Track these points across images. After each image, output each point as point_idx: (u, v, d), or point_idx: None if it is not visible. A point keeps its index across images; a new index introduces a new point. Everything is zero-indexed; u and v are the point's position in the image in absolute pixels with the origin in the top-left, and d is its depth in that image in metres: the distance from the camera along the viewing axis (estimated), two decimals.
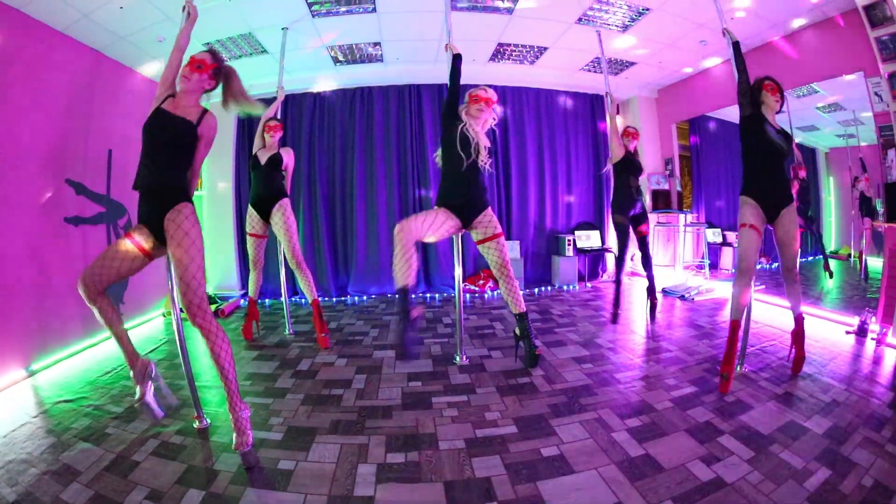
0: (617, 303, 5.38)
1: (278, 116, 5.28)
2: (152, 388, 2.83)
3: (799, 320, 3.67)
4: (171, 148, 2.79)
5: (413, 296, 3.84)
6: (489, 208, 3.96)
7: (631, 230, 5.33)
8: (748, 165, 3.61)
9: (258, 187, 4.94)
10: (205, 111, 2.90)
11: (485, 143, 3.87)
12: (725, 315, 5.52)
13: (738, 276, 3.49)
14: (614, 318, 5.38)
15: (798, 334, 3.67)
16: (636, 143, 5.42)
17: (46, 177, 4.54)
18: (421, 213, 3.80)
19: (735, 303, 3.47)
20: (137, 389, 2.76)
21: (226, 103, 3.09)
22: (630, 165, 5.31)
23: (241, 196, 7.41)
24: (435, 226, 3.70)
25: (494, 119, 4.05)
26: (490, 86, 7.44)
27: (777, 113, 3.67)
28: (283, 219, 4.80)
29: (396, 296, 3.71)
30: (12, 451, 2.83)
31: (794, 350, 3.70)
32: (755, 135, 3.56)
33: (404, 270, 3.45)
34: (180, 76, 2.91)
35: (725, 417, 3.00)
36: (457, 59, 4.10)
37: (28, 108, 4.32)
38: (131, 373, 2.77)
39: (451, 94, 4.03)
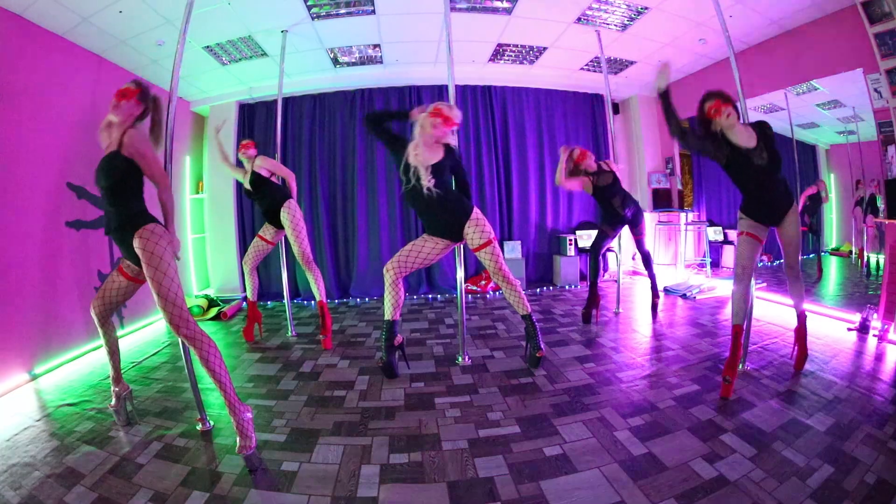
0: (589, 303, 5.41)
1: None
2: (125, 404, 3.23)
3: (801, 317, 3.66)
4: (108, 188, 2.86)
5: (397, 326, 3.92)
6: (472, 214, 3.77)
7: (609, 239, 5.41)
8: (743, 190, 3.51)
9: (261, 207, 4.99)
10: (125, 131, 2.89)
11: (428, 162, 3.60)
12: (727, 314, 5.52)
13: (736, 279, 3.49)
14: (585, 319, 5.42)
15: (800, 331, 3.67)
16: (590, 161, 5.27)
17: (48, 181, 4.55)
18: (408, 245, 3.88)
19: (736, 307, 3.45)
20: (113, 399, 3.19)
21: (153, 131, 3.14)
22: (603, 191, 5.30)
23: (241, 198, 7.42)
24: (421, 257, 3.85)
25: (451, 143, 3.73)
26: (490, 87, 7.57)
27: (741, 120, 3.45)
28: (290, 219, 4.79)
29: (384, 326, 3.89)
30: (15, 454, 2.83)
31: (796, 347, 3.70)
32: (742, 170, 3.39)
33: (391, 306, 3.86)
34: (111, 106, 2.93)
35: (727, 415, 3.00)
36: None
37: (29, 112, 4.34)
38: (114, 388, 3.20)
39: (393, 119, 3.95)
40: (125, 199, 2.88)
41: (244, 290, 7.15)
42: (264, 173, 4.87)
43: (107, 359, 3.21)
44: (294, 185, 5.04)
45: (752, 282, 3.62)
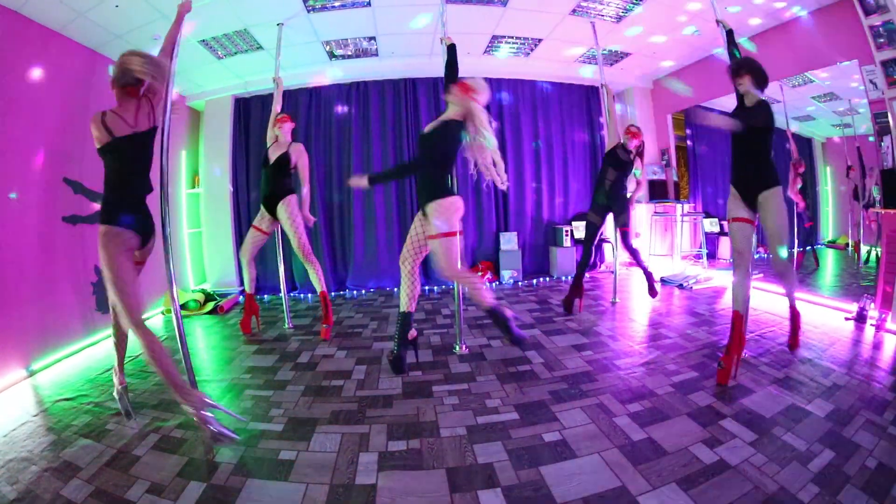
0: (572, 293, 5.42)
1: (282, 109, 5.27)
2: (126, 396, 3.23)
3: (792, 304, 3.65)
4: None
5: (412, 319, 3.82)
6: (444, 199, 3.49)
7: (599, 229, 5.44)
8: (732, 151, 3.61)
9: (266, 186, 4.95)
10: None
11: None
12: (724, 303, 5.53)
13: (735, 268, 3.50)
14: (567, 308, 5.43)
15: (793, 318, 3.67)
16: (636, 142, 5.40)
17: (44, 176, 4.52)
18: (410, 231, 3.77)
19: (736, 294, 3.46)
20: (116, 386, 3.25)
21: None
22: (613, 159, 5.38)
23: (238, 193, 7.41)
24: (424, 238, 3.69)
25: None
26: (485, 79, 7.55)
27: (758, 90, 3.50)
28: (288, 214, 4.81)
29: (399, 318, 3.78)
30: (12, 449, 2.81)
31: (791, 331, 3.69)
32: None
33: (407, 297, 3.78)
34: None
35: (727, 401, 3.00)
36: (451, 50, 4.07)
37: (25, 108, 4.31)
38: (115, 377, 3.25)
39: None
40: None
41: (241, 284, 7.15)
42: (293, 160, 4.94)
43: (112, 350, 3.25)
44: (305, 194, 5.04)
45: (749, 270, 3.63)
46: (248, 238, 5.00)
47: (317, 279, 4.90)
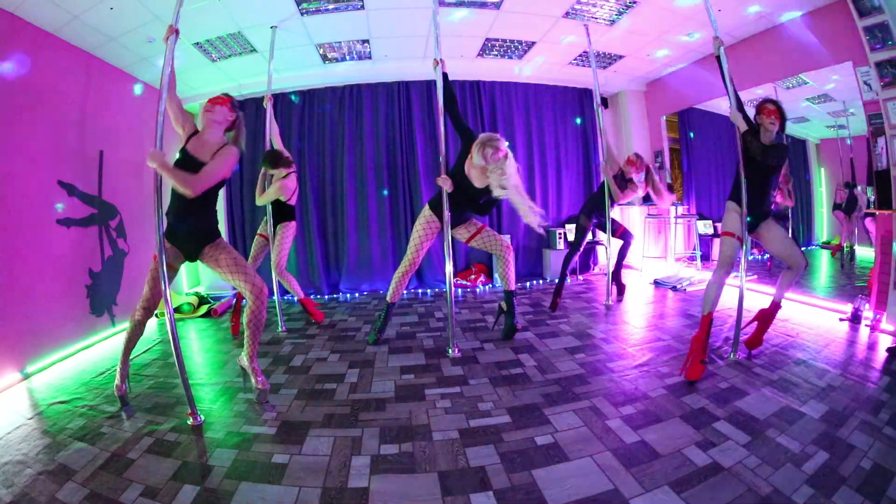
0: (558, 292, 5.65)
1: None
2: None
3: (775, 305, 3.79)
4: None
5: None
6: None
7: (587, 234, 5.80)
8: (746, 176, 3.70)
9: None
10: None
11: (475, 183, 4.46)
12: (719, 304, 5.53)
13: (717, 270, 3.71)
14: (553, 307, 5.61)
15: (767, 316, 3.83)
16: (639, 175, 5.67)
17: (37, 178, 4.50)
18: (412, 242, 4.44)
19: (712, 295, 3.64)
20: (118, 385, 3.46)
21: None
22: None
23: (231, 197, 7.43)
24: (425, 246, 4.46)
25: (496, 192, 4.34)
26: (479, 82, 7.56)
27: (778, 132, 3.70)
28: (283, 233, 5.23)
29: (382, 308, 4.71)
30: (7, 452, 2.80)
31: (756, 327, 3.87)
32: (746, 150, 3.64)
33: (399, 289, 4.57)
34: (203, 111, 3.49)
35: (720, 403, 3.00)
36: (445, 79, 4.32)
37: (18, 110, 4.29)
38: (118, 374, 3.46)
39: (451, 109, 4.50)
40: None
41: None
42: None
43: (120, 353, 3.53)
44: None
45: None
46: (255, 247, 5.38)
47: (292, 289, 5.43)
